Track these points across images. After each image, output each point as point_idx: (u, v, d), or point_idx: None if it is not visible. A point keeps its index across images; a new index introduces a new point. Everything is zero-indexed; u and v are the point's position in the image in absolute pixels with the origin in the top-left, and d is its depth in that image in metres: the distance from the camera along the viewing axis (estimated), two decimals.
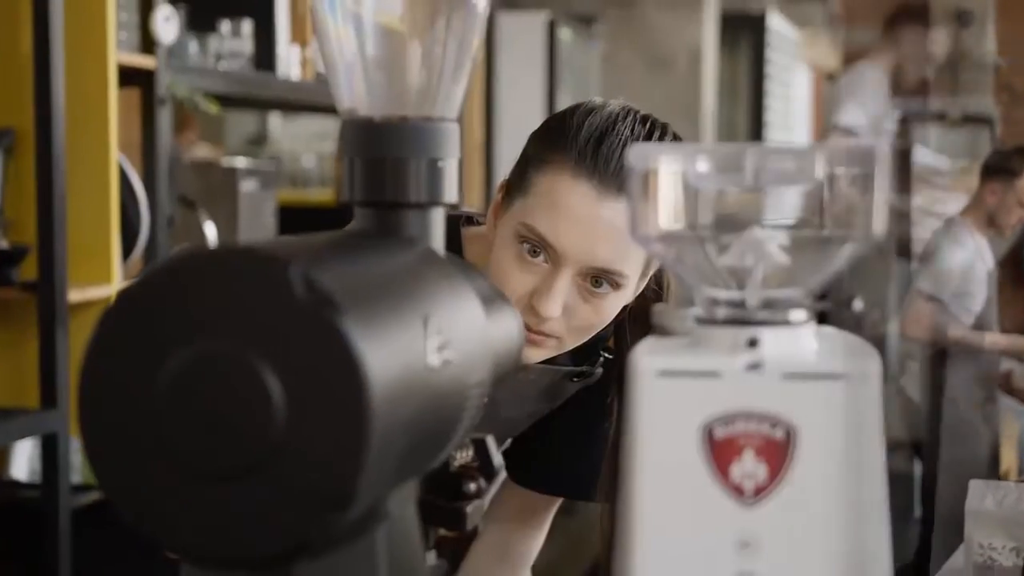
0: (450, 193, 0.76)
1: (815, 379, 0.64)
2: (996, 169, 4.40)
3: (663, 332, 0.74)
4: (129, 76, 2.50)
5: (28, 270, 2.30)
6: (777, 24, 7.31)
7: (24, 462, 2.62)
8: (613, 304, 1.22)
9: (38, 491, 2.41)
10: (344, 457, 0.58)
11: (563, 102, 5.87)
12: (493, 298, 0.80)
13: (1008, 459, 4.68)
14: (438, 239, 0.76)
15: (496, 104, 4.50)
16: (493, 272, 1.22)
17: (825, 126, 4.42)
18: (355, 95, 0.76)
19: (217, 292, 0.59)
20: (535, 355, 1.24)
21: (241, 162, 3.08)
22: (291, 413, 0.58)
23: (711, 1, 5.57)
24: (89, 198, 2.36)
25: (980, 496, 1.82)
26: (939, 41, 4.51)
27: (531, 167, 1.22)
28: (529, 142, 1.25)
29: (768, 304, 0.67)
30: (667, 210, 0.68)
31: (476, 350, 0.71)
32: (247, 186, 2.99)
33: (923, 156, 4.69)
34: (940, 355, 3.88)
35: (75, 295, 2.30)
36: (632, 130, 1.20)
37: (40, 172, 2.25)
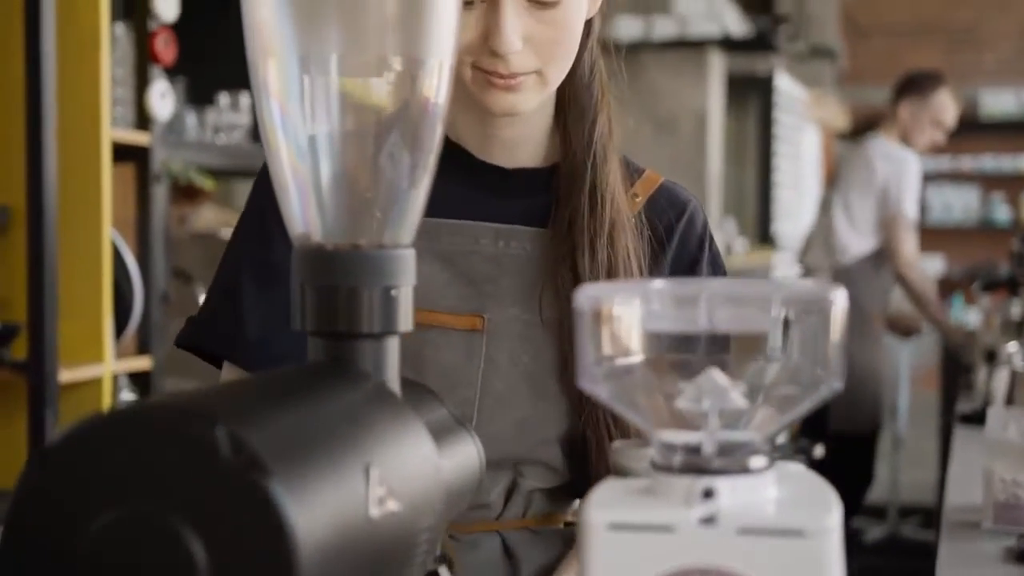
0: (405, 322, 0.74)
1: (772, 535, 0.61)
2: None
3: (620, 472, 0.71)
4: (125, 152, 2.49)
5: (19, 349, 2.28)
6: (785, 84, 7.31)
7: None
8: (571, 13, 1.16)
9: None
10: None
11: None
12: (449, 428, 0.78)
13: None
14: (392, 369, 0.74)
15: None
16: None
17: (885, 212, 4.34)
18: (308, 220, 0.74)
19: (141, 452, 0.56)
20: (521, 101, 1.17)
21: None
22: None
23: (716, 64, 5.57)
24: (82, 276, 2.34)
25: (1000, 424, 1.64)
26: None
27: None
28: None
29: (725, 450, 0.64)
30: (619, 350, 0.65)
31: (426, 492, 0.69)
32: None
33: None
34: (948, 425, 3.83)
35: (66, 375, 2.28)
36: None
37: (32, 250, 2.24)
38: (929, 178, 9.88)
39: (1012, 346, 2.94)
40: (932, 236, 9.94)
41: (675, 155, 5.41)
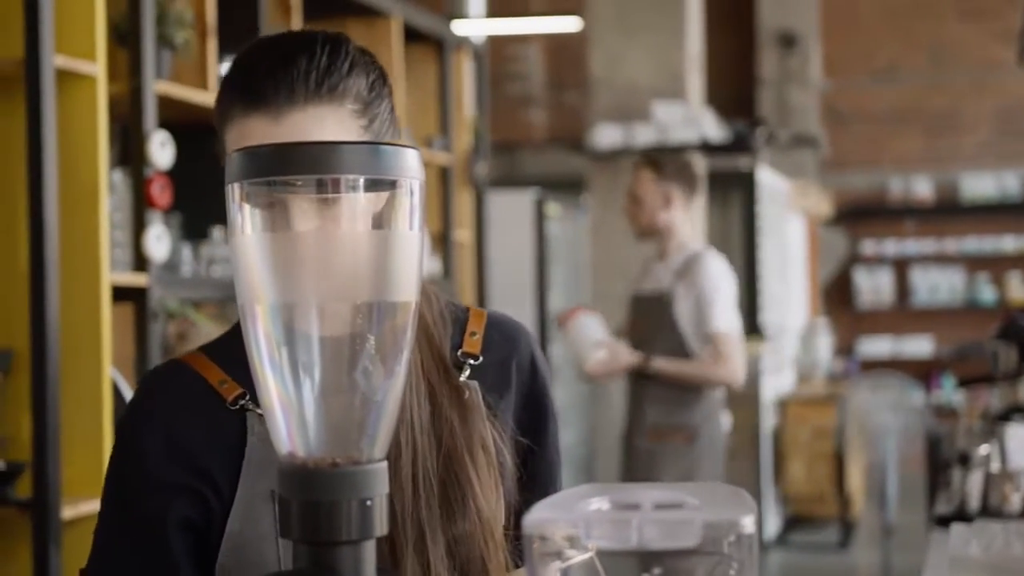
0: (381, 527, 0.85)
1: None
2: None
3: None
4: (124, 292, 2.61)
5: (23, 487, 2.37)
6: (766, 178, 7.47)
7: None
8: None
9: None
10: None
11: (553, 272, 6.02)
12: None
13: None
14: (369, 570, 0.84)
15: (488, 282, 4.62)
16: None
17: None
18: (292, 441, 0.85)
19: None
20: None
21: None
22: None
23: (697, 166, 5.72)
24: (83, 415, 2.44)
25: (964, 541, 1.72)
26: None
27: (222, 130, 1.21)
28: (214, 115, 1.25)
29: None
30: (562, 561, 0.76)
31: None
32: None
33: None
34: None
35: (69, 511, 2.36)
36: (283, 46, 1.19)
37: (35, 393, 2.34)
38: (915, 260, 10.03)
39: (984, 448, 3.02)
40: (919, 317, 10.08)
41: None
